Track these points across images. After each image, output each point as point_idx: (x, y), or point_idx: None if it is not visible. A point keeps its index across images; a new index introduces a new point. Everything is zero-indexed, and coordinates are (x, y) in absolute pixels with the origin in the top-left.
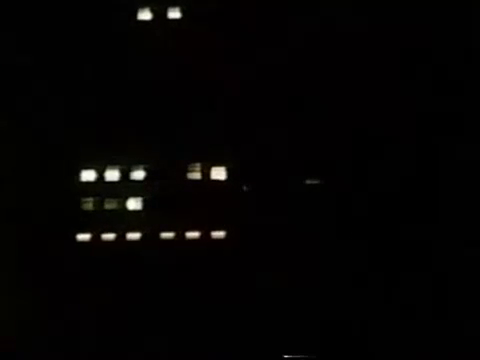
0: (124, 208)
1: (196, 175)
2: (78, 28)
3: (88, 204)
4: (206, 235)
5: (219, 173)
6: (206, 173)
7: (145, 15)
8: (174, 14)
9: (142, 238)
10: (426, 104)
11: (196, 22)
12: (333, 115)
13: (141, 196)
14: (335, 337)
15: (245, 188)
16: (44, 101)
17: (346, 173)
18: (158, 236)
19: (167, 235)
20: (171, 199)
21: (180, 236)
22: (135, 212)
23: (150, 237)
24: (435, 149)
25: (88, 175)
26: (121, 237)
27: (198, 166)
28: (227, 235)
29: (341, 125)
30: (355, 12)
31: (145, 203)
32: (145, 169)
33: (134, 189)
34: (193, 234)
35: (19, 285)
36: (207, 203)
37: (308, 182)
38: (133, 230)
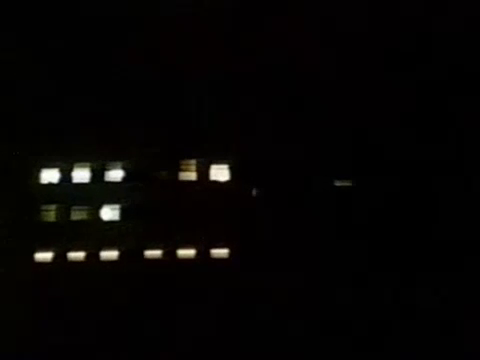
0: (97, 218)
1: (190, 175)
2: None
3: (50, 213)
4: (203, 253)
5: (219, 173)
6: (204, 173)
7: None
8: None
9: (120, 257)
10: (426, 104)
11: (196, 22)
12: (333, 115)
13: (119, 202)
14: (335, 337)
15: (254, 192)
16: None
17: (346, 173)
18: (141, 254)
19: (153, 253)
20: (158, 206)
21: (169, 254)
22: (111, 223)
23: (131, 255)
24: (435, 149)
25: (50, 175)
26: (93, 256)
27: (193, 163)
28: (230, 252)
29: (341, 125)
30: (355, 12)
31: (124, 211)
32: (124, 167)
33: (110, 193)
34: (187, 252)
35: None
36: (205, 210)
37: (308, 182)
38: (108, 246)
